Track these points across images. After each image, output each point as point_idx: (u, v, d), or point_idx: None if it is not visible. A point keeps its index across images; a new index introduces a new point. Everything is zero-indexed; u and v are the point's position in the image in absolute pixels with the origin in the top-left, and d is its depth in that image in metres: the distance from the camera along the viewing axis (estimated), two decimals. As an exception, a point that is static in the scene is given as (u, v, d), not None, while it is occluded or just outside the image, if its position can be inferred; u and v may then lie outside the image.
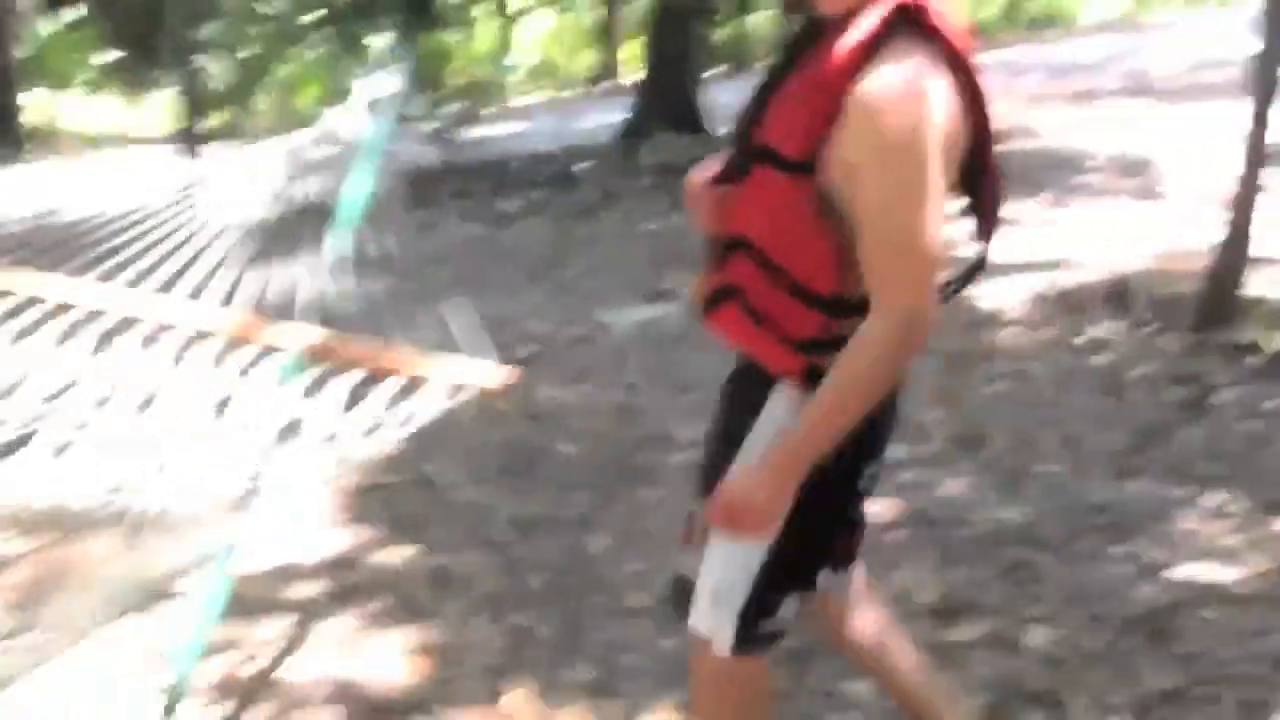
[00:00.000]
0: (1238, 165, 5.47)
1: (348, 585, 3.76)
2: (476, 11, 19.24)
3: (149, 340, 2.52)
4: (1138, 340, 5.65)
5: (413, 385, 2.31)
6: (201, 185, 3.27)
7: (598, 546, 3.98)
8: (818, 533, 2.27)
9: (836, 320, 2.09)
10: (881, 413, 2.17)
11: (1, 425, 2.46)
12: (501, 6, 17.83)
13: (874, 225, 1.99)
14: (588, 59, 18.12)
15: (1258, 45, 5.50)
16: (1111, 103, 12.04)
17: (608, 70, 17.72)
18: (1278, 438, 4.53)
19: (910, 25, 1.99)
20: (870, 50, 1.97)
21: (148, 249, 2.87)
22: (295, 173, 3.40)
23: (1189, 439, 4.58)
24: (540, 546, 3.99)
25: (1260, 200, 5.47)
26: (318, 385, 2.36)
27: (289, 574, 3.83)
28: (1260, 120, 5.39)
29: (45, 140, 13.16)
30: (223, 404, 2.37)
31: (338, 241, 3.17)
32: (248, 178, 3.34)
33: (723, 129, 10.26)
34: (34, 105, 14.01)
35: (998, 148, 2.18)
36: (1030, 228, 7.56)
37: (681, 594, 2.34)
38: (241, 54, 15.73)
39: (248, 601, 3.61)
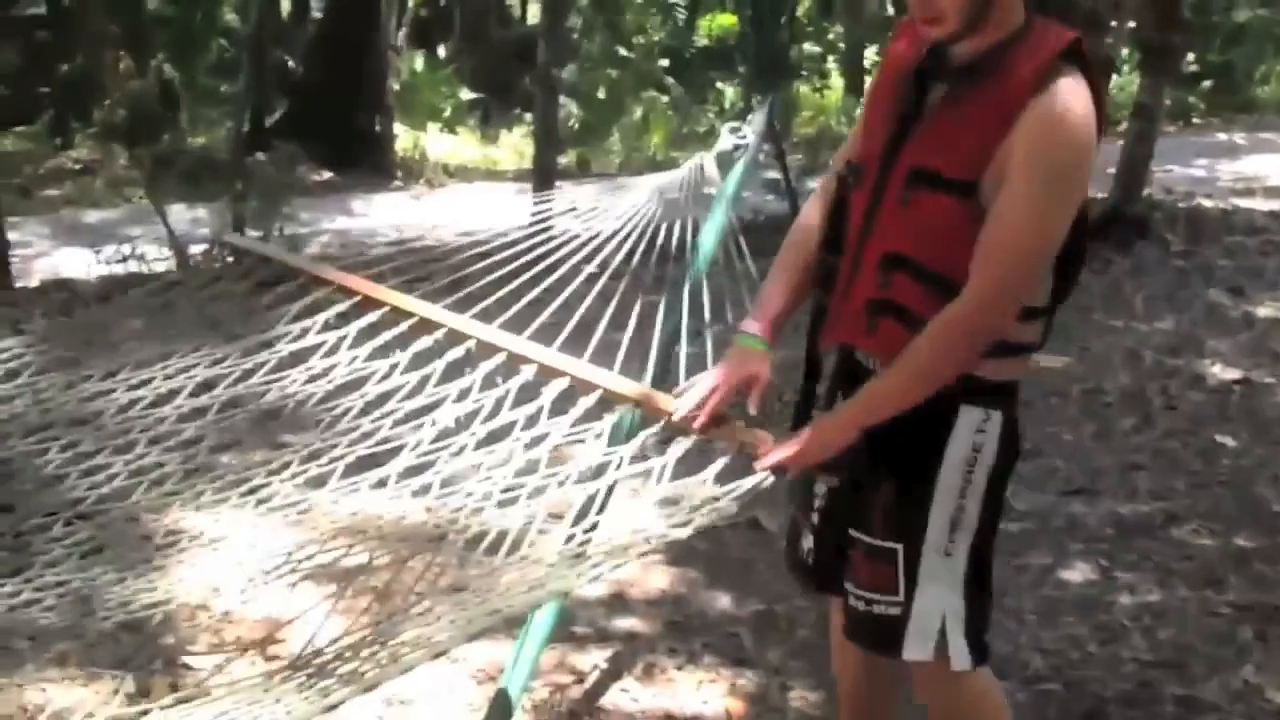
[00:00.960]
0: None
1: (674, 622, 3.80)
2: (831, 64, 19.38)
3: (498, 373, 2.61)
4: None
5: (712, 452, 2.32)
6: (556, 222, 3.38)
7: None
8: (994, 534, 2.44)
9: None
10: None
11: (363, 440, 2.57)
12: (854, 60, 17.85)
13: (1000, 220, 2.18)
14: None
15: None
16: None
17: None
18: None
19: (1075, 59, 2.21)
20: (1047, 74, 2.18)
21: (502, 281, 2.98)
22: (653, 214, 3.46)
23: None
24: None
25: None
26: (657, 443, 2.40)
27: (619, 606, 3.90)
28: None
29: (411, 170, 13.92)
30: (534, 442, 2.43)
31: (690, 287, 3.22)
32: (604, 217, 3.42)
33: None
34: (403, 136, 14.86)
35: None
36: None
37: (863, 626, 2.45)
38: (597, 95, 16.30)
39: (579, 628, 3.70)
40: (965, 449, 2.34)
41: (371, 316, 2.78)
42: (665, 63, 18.49)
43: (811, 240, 2.52)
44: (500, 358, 2.64)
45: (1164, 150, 9.61)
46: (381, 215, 11.09)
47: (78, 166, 13.50)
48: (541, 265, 3.11)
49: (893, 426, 2.31)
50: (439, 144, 15.43)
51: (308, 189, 11.62)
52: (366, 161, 13.58)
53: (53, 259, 8.90)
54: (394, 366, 2.67)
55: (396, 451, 2.49)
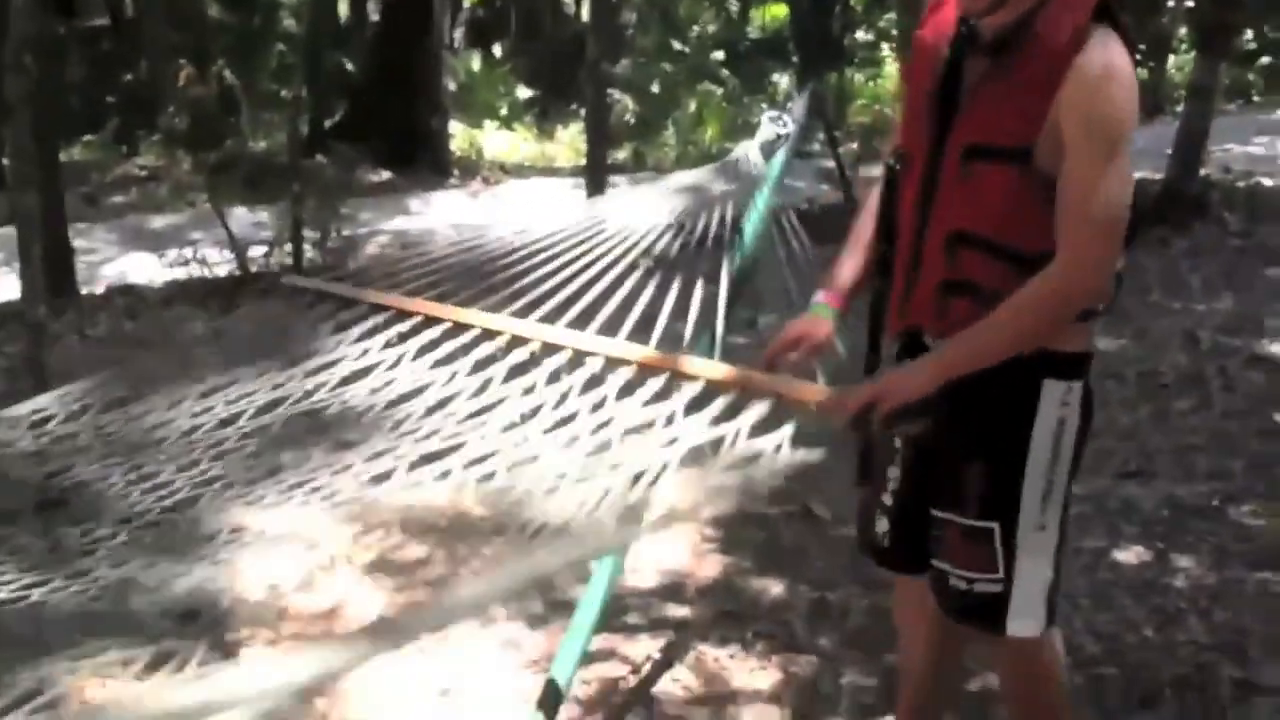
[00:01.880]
0: None
1: (726, 611, 3.82)
2: (884, 52, 19.27)
3: (560, 369, 2.65)
4: None
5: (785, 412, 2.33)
6: (611, 218, 3.40)
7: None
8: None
9: None
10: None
11: (426, 439, 2.61)
12: (908, 47, 17.75)
13: (1075, 186, 2.21)
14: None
15: None
16: None
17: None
18: None
19: (1108, 19, 2.24)
20: (1084, 34, 2.21)
21: (559, 280, 3.02)
22: (699, 206, 3.48)
23: None
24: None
25: None
26: (718, 414, 2.41)
27: (671, 594, 3.93)
28: None
29: (468, 168, 14.02)
30: (625, 431, 2.46)
31: (737, 275, 3.23)
32: (654, 210, 3.44)
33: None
34: (459, 134, 14.97)
35: None
36: None
37: (965, 605, 2.50)
38: (652, 89, 16.32)
39: (630, 617, 3.74)
40: (1051, 424, 2.38)
41: (433, 333, 2.86)
42: (719, 55, 18.48)
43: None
44: (564, 355, 2.69)
45: (1222, 129, 9.51)
46: (439, 214, 11.18)
47: (143, 173, 13.74)
48: (597, 263, 3.13)
49: (977, 405, 2.35)
50: (496, 142, 15.53)
51: (366, 190, 11.73)
52: (424, 161, 13.71)
53: (119, 264, 9.06)
54: (455, 373, 2.74)
55: (460, 447, 2.53)
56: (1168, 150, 8.55)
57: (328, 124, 14.85)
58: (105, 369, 3.20)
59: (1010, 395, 2.36)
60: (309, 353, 2.91)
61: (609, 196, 3.60)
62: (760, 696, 3.35)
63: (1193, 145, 8.51)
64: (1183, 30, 16.12)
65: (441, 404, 2.69)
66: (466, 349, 2.78)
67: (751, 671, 3.47)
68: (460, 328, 2.84)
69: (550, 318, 2.85)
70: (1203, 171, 8.73)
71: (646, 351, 2.66)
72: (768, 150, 3.82)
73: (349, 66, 16.46)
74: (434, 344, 2.82)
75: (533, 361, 2.70)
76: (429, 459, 2.54)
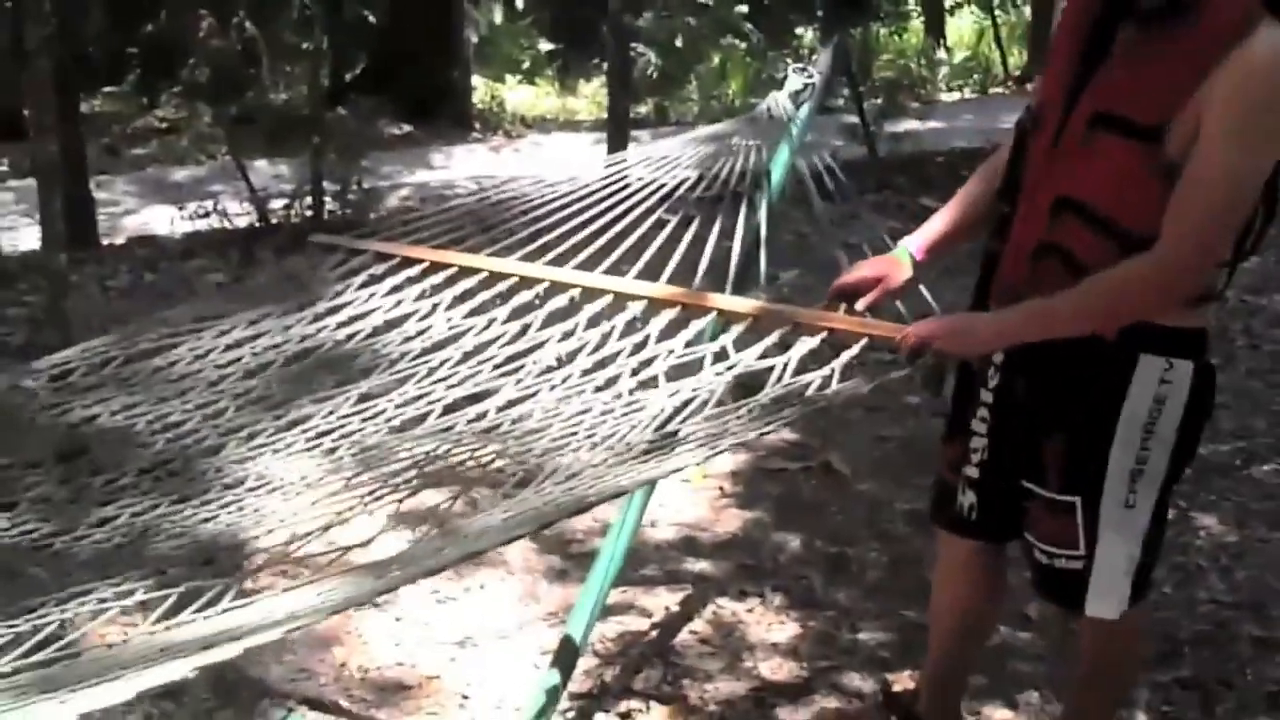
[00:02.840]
0: None
1: (744, 565, 3.82)
2: (910, 5, 19.11)
3: (600, 314, 2.64)
4: None
5: (838, 346, 2.31)
6: (632, 165, 3.38)
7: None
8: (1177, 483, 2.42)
9: None
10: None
11: (460, 385, 2.59)
12: (934, 2, 17.60)
13: (1198, 180, 2.10)
14: (1018, 57, 17.63)
15: None
16: None
17: (1038, 69, 17.18)
18: None
19: (1275, 9, 2.10)
20: (1252, 20, 2.08)
21: (593, 230, 3.00)
22: (729, 155, 3.45)
23: None
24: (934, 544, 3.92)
25: None
26: (739, 345, 2.41)
27: (689, 547, 3.93)
28: None
29: (490, 122, 13.96)
30: (642, 365, 2.45)
31: (755, 223, 3.21)
32: (684, 159, 3.42)
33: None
34: (481, 87, 14.90)
35: None
36: None
37: (1048, 581, 2.46)
38: (675, 43, 16.21)
39: (648, 570, 3.74)
40: (1146, 400, 2.27)
41: (469, 282, 2.82)
42: (743, 9, 18.32)
43: (994, 178, 2.48)
44: (605, 300, 2.67)
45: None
46: (460, 167, 11.14)
47: (163, 125, 13.70)
48: (630, 212, 3.11)
49: (1065, 376, 2.30)
50: (517, 95, 15.45)
51: (387, 143, 11.69)
52: (445, 114, 13.63)
53: (140, 216, 9.04)
54: (492, 320, 2.70)
55: (496, 391, 2.52)
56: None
57: (349, 77, 14.77)
58: (126, 319, 3.19)
59: (1101, 367, 2.27)
60: (340, 305, 2.89)
61: (636, 148, 3.55)
62: (778, 650, 3.36)
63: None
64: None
65: (478, 349, 2.66)
66: (504, 297, 2.75)
67: (769, 626, 3.47)
68: (496, 277, 2.81)
69: (586, 267, 2.83)
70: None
71: (688, 292, 2.66)
72: (795, 102, 3.78)
73: (370, 19, 16.38)
74: (469, 294, 2.79)
75: (572, 308, 2.69)
76: (464, 402, 2.52)
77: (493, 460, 2.35)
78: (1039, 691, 3.18)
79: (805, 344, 2.36)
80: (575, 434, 2.34)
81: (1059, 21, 2.45)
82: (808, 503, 4.24)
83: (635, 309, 2.63)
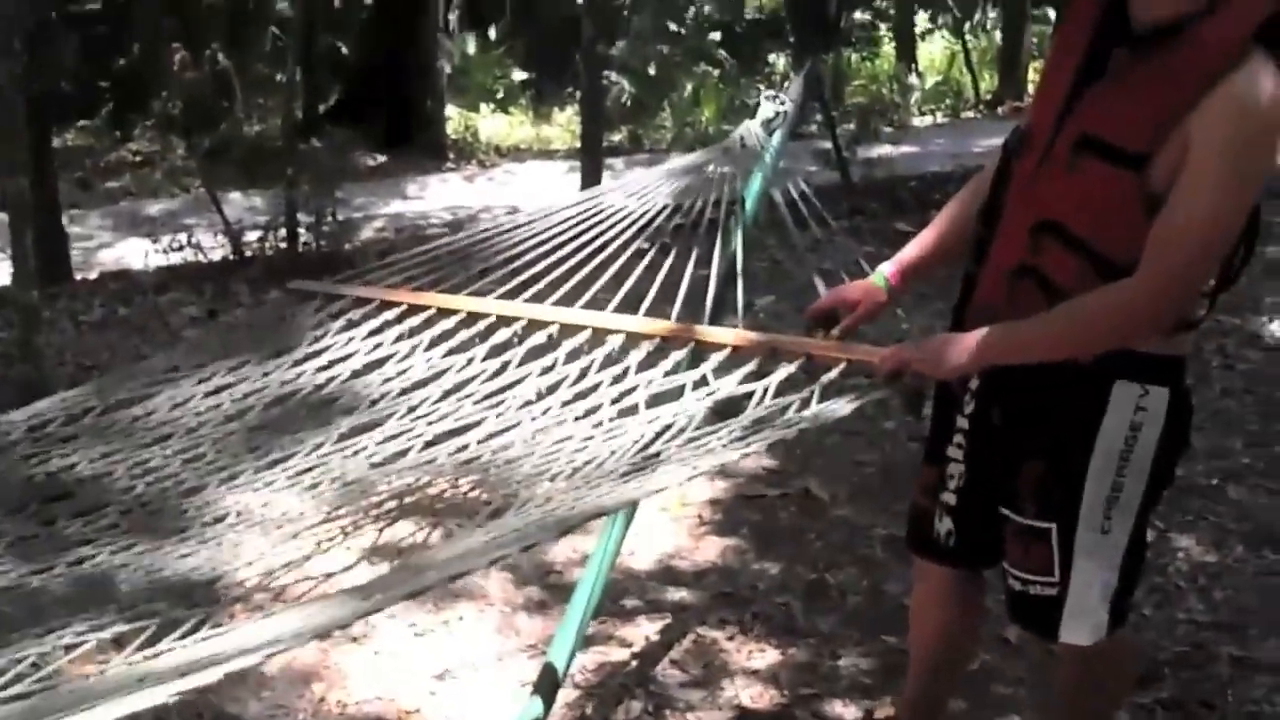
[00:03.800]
0: None
1: (724, 593, 3.80)
2: (881, 31, 19.23)
3: (580, 348, 2.65)
4: None
5: (817, 370, 2.32)
6: (607, 197, 3.39)
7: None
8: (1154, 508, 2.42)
9: None
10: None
11: (441, 421, 2.59)
12: (905, 27, 17.71)
13: (1182, 211, 2.09)
14: (989, 81, 17.75)
15: None
16: None
17: (1009, 93, 17.31)
18: None
19: (1266, 41, 2.09)
20: (1242, 52, 2.07)
21: (569, 265, 3.01)
22: (702, 185, 3.46)
23: None
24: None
25: None
26: (718, 372, 2.42)
27: (668, 576, 3.91)
28: None
29: (464, 151, 13.98)
30: (622, 395, 2.46)
31: (731, 251, 3.21)
32: (657, 191, 3.43)
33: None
34: (455, 117, 14.92)
35: None
36: None
37: (1021, 608, 2.45)
38: (648, 71, 16.27)
39: (627, 600, 3.73)
40: (1122, 427, 2.26)
41: (447, 323, 2.84)
42: (716, 36, 18.43)
43: (971, 204, 2.48)
44: (584, 335, 2.69)
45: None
46: (435, 198, 11.16)
47: (137, 158, 13.69)
48: (605, 246, 3.11)
49: (1041, 402, 2.30)
50: (492, 125, 15.49)
51: (361, 173, 11.70)
52: (419, 144, 13.67)
53: (114, 250, 9.03)
54: (471, 359, 2.72)
55: (478, 424, 2.52)
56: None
57: (323, 107, 14.80)
58: (98, 353, 3.18)
59: (1076, 393, 2.26)
60: (319, 350, 2.89)
61: (610, 180, 3.57)
62: (759, 678, 3.34)
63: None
64: None
65: (458, 387, 2.67)
66: (483, 336, 2.77)
67: (750, 654, 3.46)
68: (475, 316, 2.82)
69: (564, 302, 2.84)
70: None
71: (665, 324, 2.67)
72: (768, 129, 3.80)
73: (343, 50, 16.41)
74: (448, 334, 2.81)
75: (551, 345, 2.69)
76: (445, 436, 2.52)
77: (473, 489, 2.35)
78: (1019, 716, 3.17)
79: (784, 369, 2.37)
80: (556, 460, 2.34)
81: (1053, 43, 2.44)
82: (786, 529, 4.23)
83: (614, 343, 2.64)
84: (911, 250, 2.56)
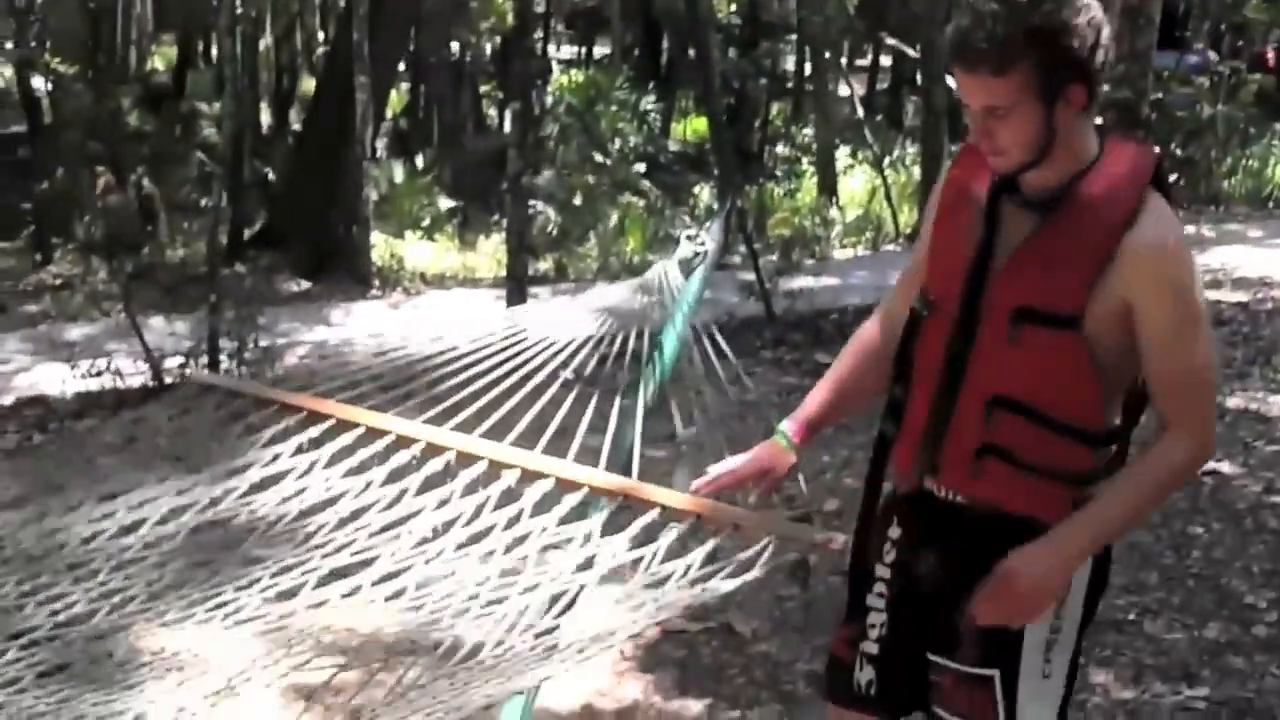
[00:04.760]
0: None
1: (644, 731, 3.77)
2: (803, 165, 19.60)
3: (477, 480, 2.63)
4: None
5: (729, 541, 2.32)
6: (531, 329, 3.40)
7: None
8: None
9: (1101, 452, 2.30)
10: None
11: (337, 553, 2.56)
12: (826, 161, 18.06)
13: (1169, 355, 2.20)
14: (908, 214, 18.12)
15: None
16: None
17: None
18: None
19: (1155, 181, 2.22)
20: (1138, 206, 2.18)
21: (476, 388, 2.99)
22: (619, 321, 3.49)
23: None
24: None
25: None
26: (626, 530, 2.41)
27: (590, 716, 3.86)
28: None
29: (389, 279, 13.98)
30: (540, 548, 2.44)
31: (651, 388, 3.23)
32: (574, 323, 3.44)
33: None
34: (381, 244, 14.95)
35: None
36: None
37: None
38: (574, 201, 16.44)
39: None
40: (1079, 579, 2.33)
41: (346, 438, 2.79)
42: (641, 167, 18.68)
43: (868, 355, 2.52)
44: (481, 466, 2.65)
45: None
46: (359, 325, 11.12)
47: (57, 282, 13.55)
48: (515, 373, 3.11)
49: (971, 550, 2.31)
50: (417, 252, 15.52)
51: (285, 299, 11.67)
52: (344, 271, 13.65)
53: (31, 375, 8.89)
54: (369, 483, 2.68)
55: (371, 562, 2.49)
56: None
57: (247, 233, 14.79)
58: (8, 482, 3.11)
59: (1007, 542, 2.26)
60: (216, 458, 2.84)
61: (530, 307, 3.59)
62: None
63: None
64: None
65: (354, 515, 2.63)
66: (381, 457, 2.72)
67: (671, 794, 3.42)
68: (375, 433, 2.78)
69: (466, 426, 2.82)
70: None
71: (563, 464, 2.64)
72: (686, 269, 3.83)
73: (270, 176, 16.45)
74: (348, 450, 2.76)
75: (448, 473, 2.67)
76: (338, 575, 2.48)
77: (374, 636, 2.32)
78: None
79: (675, 530, 2.35)
80: (447, 610, 2.31)
81: (934, 203, 2.45)
82: (708, 666, 4.21)
83: (510, 478, 2.61)
84: (811, 405, 2.55)
